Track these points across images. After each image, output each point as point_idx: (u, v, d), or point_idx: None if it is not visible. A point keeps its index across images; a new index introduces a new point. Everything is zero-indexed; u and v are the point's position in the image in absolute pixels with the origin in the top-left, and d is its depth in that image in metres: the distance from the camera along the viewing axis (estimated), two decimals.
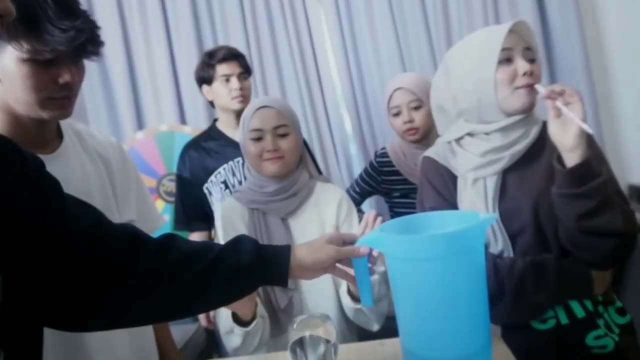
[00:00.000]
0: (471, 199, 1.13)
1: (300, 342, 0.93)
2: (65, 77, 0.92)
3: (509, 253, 1.12)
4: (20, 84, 0.89)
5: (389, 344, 1.22)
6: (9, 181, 0.63)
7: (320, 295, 1.36)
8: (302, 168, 1.46)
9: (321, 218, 1.40)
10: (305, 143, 1.58)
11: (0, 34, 0.84)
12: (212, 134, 2.08)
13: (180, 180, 2.08)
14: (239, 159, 1.98)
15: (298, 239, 1.38)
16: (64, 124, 1.06)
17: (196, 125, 2.73)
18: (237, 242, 0.85)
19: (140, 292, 0.75)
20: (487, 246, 1.13)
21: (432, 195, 1.20)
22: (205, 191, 2.01)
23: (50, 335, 0.74)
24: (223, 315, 1.29)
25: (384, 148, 2.05)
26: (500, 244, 1.12)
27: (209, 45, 2.87)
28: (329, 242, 0.90)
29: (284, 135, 1.38)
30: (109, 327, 0.82)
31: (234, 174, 1.98)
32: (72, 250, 0.70)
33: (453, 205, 1.16)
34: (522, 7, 2.57)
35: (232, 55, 1.98)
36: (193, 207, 2.03)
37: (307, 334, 0.92)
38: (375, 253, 0.96)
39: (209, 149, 2.03)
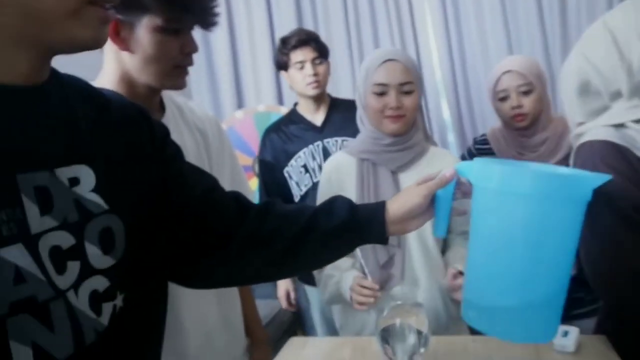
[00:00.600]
0: None
1: (390, 330, 0.90)
2: (191, 46, 0.97)
3: None
4: (153, 53, 0.93)
5: (480, 342, 1.16)
6: (139, 145, 0.70)
7: (425, 255, 1.30)
8: (417, 128, 1.40)
9: None
10: None
11: (139, 3, 0.91)
12: (293, 117, 2.08)
13: (262, 163, 2.11)
14: (319, 142, 1.97)
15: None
16: (165, 96, 1.10)
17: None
18: (331, 203, 0.85)
19: (241, 255, 0.80)
20: None
21: (629, 190, 0.93)
22: (286, 175, 2.02)
23: None
24: (331, 284, 1.31)
25: (483, 135, 1.94)
26: None
27: (309, 28, 2.87)
28: (418, 184, 0.86)
29: (408, 93, 1.32)
30: (221, 285, 0.91)
31: (314, 158, 1.98)
32: (186, 213, 0.76)
33: None
34: None
35: (304, 41, 1.96)
36: (277, 189, 2.05)
37: (397, 321, 0.88)
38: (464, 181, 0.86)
39: (289, 133, 2.04)
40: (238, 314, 1.23)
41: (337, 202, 0.85)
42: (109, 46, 0.94)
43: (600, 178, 0.71)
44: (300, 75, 1.96)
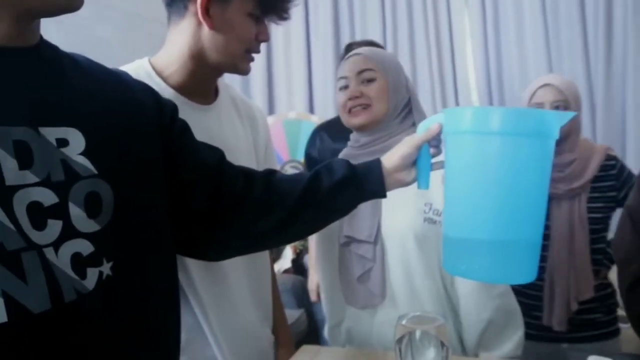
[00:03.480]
0: None
1: (408, 341, 0.84)
2: (266, 35, 1.01)
3: None
4: (237, 35, 0.96)
5: None
6: (140, 119, 0.72)
7: (406, 274, 1.16)
8: (398, 124, 1.21)
9: None
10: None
11: None
12: None
13: (308, 157, 2.11)
14: None
15: (387, 204, 1.16)
16: (221, 85, 1.12)
17: (324, 116, 2.74)
18: (330, 163, 0.89)
19: (252, 221, 0.83)
20: None
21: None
22: None
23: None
24: (337, 308, 1.26)
25: None
26: None
27: (345, 39, 2.88)
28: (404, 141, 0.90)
29: (369, 81, 1.19)
30: (234, 254, 0.92)
31: None
32: (199, 185, 0.79)
33: None
34: None
35: None
36: None
37: (417, 330, 0.83)
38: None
39: (341, 132, 2.02)
40: (268, 294, 1.19)
41: (335, 162, 0.89)
42: (188, 22, 0.96)
43: (565, 115, 0.74)
44: None
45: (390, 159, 0.88)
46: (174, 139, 0.77)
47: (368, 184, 0.87)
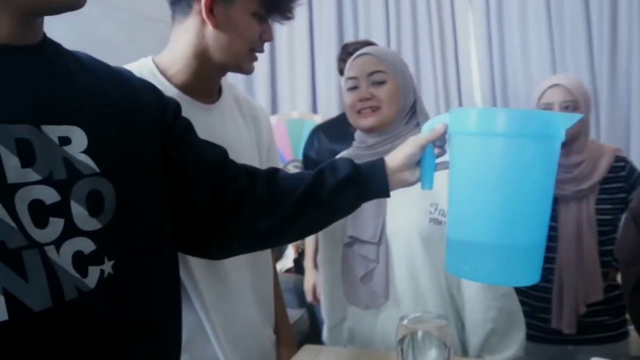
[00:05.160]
0: None
1: (410, 341, 0.84)
2: (269, 35, 1.01)
3: None
4: (241, 34, 0.97)
5: None
6: (143, 118, 0.72)
7: (410, 274, 1.15)
8: (405, 125, 1.21)
9: None
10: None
11: None
12: (344, 120, 2.06)
13: (306, 159, 2.11)
14: None
15: (392, 205, 1.16)
16: (225, 84, 1.12)
17: (327, 115, 2.73)
18: (334, 162, 0.89)
19: (254, 219, 0.82)
20: None
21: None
22: None
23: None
24: (338, 308, 1.26)
25: None
26: None
27: (349, 38, 2.87)
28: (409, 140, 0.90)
29: (380, 83, 1.18)
30: (237, 252, 0.92)
31: None
32: (201, 184, 0.79)
33: None
34: None
35: None
36: None
37: (419, 331, 0.82)
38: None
39: (339, 133, 2.02)
40: (270, 293, 1.19)
41: (339, 161, 0.88)
42: (192, 21, 0.96)
43: (572, 117, 0.74)
44: None
45: (394, 159, 0.87)
46: (176, 137, 0.77)
47: (372, 183, 0.86)
